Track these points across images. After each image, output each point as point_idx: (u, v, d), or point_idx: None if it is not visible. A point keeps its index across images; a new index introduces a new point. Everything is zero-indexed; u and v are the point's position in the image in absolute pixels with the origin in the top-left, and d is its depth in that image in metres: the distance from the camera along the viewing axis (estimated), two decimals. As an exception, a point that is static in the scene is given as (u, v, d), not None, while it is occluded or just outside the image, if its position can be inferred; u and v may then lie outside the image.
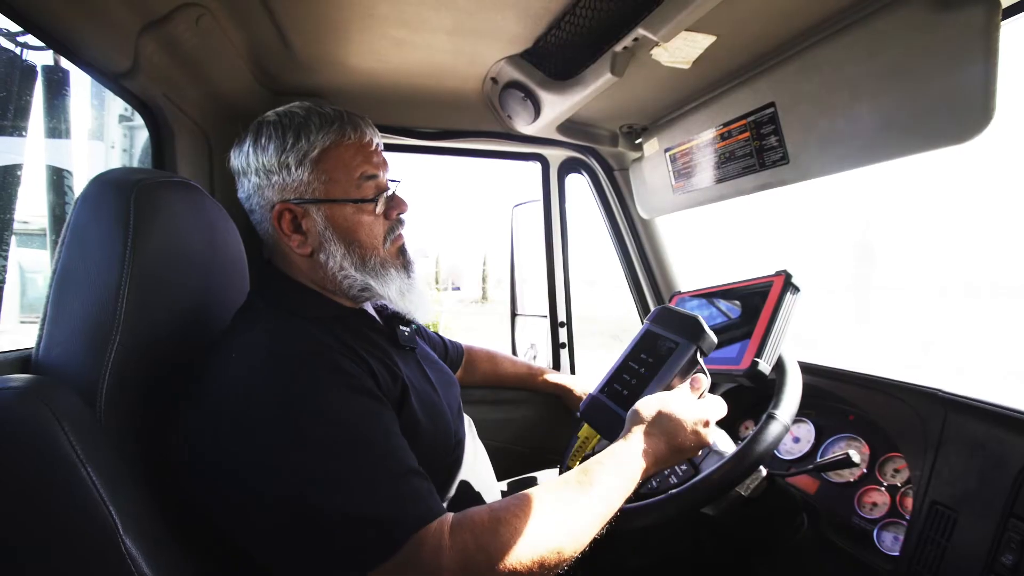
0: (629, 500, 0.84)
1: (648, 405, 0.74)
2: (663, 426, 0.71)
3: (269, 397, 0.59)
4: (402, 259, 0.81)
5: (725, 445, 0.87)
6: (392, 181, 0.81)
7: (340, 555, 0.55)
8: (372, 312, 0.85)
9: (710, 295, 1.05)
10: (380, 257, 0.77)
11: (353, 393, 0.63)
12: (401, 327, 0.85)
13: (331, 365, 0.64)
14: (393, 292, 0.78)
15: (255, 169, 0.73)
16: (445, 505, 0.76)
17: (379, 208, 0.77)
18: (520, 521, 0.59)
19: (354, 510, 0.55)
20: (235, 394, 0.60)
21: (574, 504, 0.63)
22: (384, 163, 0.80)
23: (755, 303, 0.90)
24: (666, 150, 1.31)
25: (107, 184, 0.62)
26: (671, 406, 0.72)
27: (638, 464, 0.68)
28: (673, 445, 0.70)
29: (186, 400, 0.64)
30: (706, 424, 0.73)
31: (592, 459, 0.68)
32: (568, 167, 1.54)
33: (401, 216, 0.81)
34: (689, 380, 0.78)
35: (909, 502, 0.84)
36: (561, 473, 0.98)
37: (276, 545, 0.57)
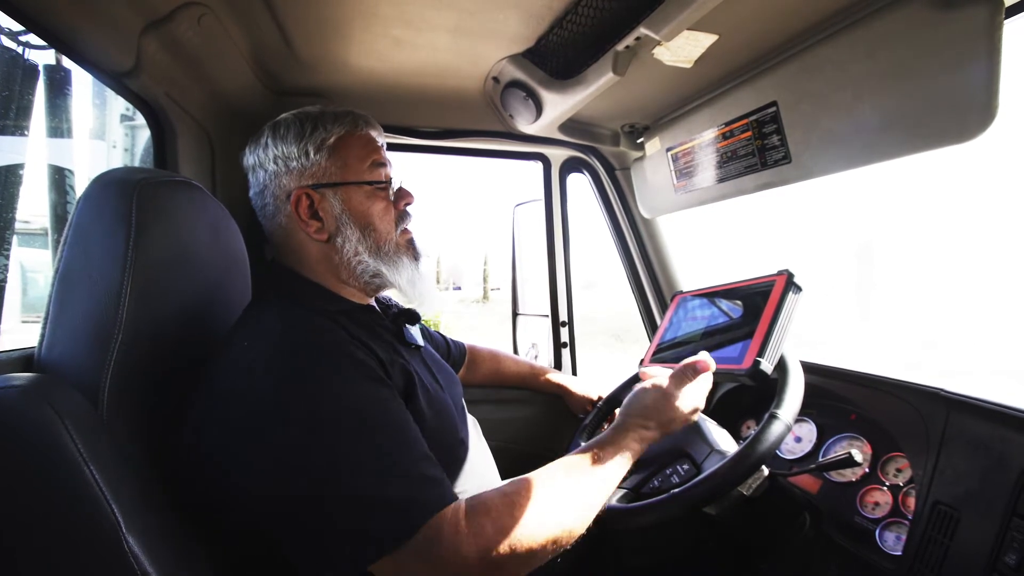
0: (631, 499, 0.84)
1: (644, 397, 0.78)
2: (658, 417, 0.76)
3: (283, 383, 0.60)
4: (412, 250, 0.84)
5: (727, 445, 0.87)
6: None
7: (356, 538, 0.56)
8: (379, 310, 0.86)
9: (712, 295, 1.05)
10: (393, 244, 0.80)
11: (365, 381, 0.65)
12: (407, 326, 0.86)
13: (343, 353, 0.65)
14: (404, 280, 0.80)
15: (274, 157, 0.77)
16: None
17: (391, 194, 0.81)
18: (533, 503, 0.62)
19: (369, 493, 0.57)
20: (248, 381, 0.61)
21: (579, 485, 0.67)
22: (388, 160, 0.83)
23: (757, 302, 0.89)
24: (668, 149, 1.31)
25: (109, 183, 0.62)
26: (667, 399, 0.77)
27: (634, 447, 0.73)
28: (665, 432, 0.77)
29: (196, 391, 0.64)
30: (695, 411, 0.79)
31: (591, 443, 0.73)
32: (570, 166, 1.54)
33: (408, 208, 0.84)
34: (682, 370, 0.80)
35: (911, 502, 0.84)
36: None
37: (291, 530, 0.57)
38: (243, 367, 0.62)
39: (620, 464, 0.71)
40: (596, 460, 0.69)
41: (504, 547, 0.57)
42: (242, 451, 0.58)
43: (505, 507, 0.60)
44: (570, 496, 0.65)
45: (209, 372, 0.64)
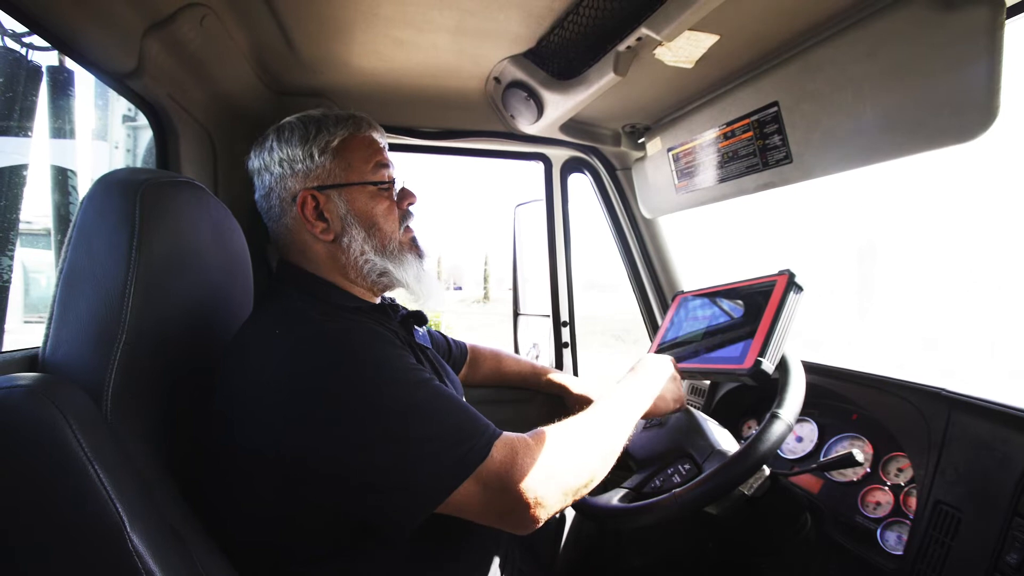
0: (633, 499, 0.84)
1: (658, 361, 0.92)
2: (661, 384, 0.88)
3: (338, 356, 0.62)
4: (416, 249, 0.86)
5: (728, 444, 0.87)
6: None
7: (439, 466, 0.60)
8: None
9: (713, 294, 1.05)
10: (397, 243, 0.82)
11: (407, 351, 0.71)
12: (415, 327, 0.88)
13: (377, 332, 0.70)
14: (410, 277, 0.82)
15: (279, 160, 0.78)
16: None
17: (394, 194, 0.83)
18: (583, 428, 0.73)
19: (445, 426, 0.62)
20: (293, 364, 0.62)
21: (612, 424, 0.77)
22: (391, 161, 0.84)
23: (758, 302, 0.90)
24: (669, 149, 1.31)
25: (113, 184, 0.63)
26: (670, 374, 0.91)
27: (645, 401, 0.84)
28: (656, 400, 0.86)
29: (222, 386, 0.65)
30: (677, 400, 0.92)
31: (612, 394, 0.83)
32: (571, 167, 1.54)
33: (411, 208, 0.86)
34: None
35: (913, 501, 0.84)
36: None
37: (377, 483, 0.59)
38: (283, 353, 0.63)
39: (636, 410, 0.81)
40: (621, 402, 0.81)
41: (567, 457, 0.67)
42: (299, 430, 0.59)
43: (562, 430, 0.70)
44: (609, 428, 0.75)
45: (233, 366, 0.65)
